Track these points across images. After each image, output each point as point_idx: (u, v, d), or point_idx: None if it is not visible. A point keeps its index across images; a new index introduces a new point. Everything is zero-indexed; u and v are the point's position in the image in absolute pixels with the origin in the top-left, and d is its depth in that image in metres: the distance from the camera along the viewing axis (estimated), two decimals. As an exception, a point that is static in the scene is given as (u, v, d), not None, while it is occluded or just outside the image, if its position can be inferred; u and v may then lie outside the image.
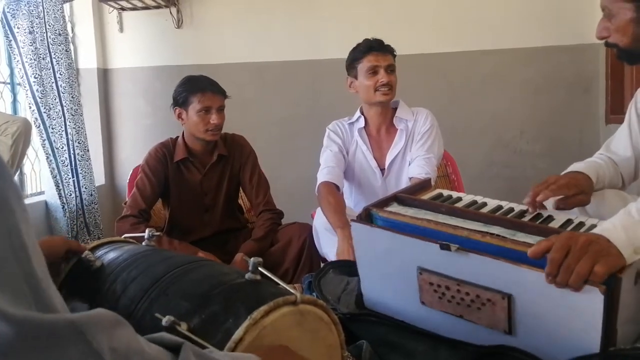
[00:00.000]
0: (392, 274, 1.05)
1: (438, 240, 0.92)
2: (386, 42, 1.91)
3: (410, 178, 1.86)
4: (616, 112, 2.56)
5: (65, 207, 2.76)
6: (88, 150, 2.94)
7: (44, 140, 2.69)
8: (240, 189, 2.13)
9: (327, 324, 0.78)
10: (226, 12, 3.15)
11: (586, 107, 2.84)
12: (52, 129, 2.73)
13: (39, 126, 2.66)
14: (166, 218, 2.05)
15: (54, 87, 2.75)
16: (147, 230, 1.07)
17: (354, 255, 1.15)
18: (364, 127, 1.98)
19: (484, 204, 1.16)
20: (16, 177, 2.67)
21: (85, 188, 2.89)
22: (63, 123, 2.78)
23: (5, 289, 0.39)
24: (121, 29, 3.26)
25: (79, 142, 2.86)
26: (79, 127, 2.87)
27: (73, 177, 2.82)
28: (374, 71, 1.86)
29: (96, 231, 2.95)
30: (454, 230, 1.00)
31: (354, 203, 2.03)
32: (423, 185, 1.31)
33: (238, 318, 0.67)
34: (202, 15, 3.18)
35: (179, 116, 1.94)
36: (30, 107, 2.66)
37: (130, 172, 2.28)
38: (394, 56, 1.92)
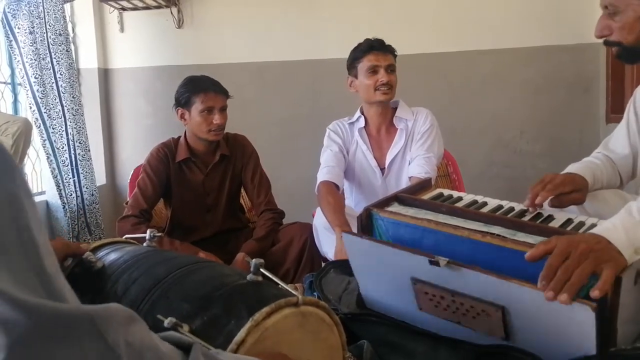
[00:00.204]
0: (387, 282, 1.05)
1: (428, 253, 0.90)
2: (386, 42, 1.92)
3: (410, 177, 1.86)
4: (617, 111, 2.56)
5: (66, 207, 2.76)
6: (89, 150, 2.94)
7: (44, 141, 2.70)
8: (242, 188, 2.13)
9: (328, 325, 0.79)
10: (227, 12, 3.15)
11: (586, 107, 2.84)
12: (53, 129, 2.73)
13: (40, 126, 2.66)
14: (168, 218, 2.05)
15: (54, 87, 2.75)
16: (148, 231, 1.07)
17: None
18: (364, 126, 1.98)
19: (485, 204, 1.16)
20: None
21: (87, 188, 2.89)
22: (63, 123, 2.79)
23: (18, 282, 0.39)
24: (122, 29, 3.26)
25: (80, 142, 2.87)
26: (79, 127, 2.88)
27: (74, 177, 2.82)
28: (374, 70, 1.86)
29: (97, 231, 2.95)
30: (455, 230, 1.00)
31: (354, 203, 2.03)
32: (424, 185, 1.32)
33: (240, 320, 0.67)
34: (202, 15, 3.18)
35: (182, 117, 1.94)
36: (30, 107, 2.66)
37: (132, 172, 2.29)
38: (395, 56, 1.92)
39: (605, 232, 0.85)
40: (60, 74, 2.77)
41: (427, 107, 2.02)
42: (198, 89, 1.89)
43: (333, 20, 3.03)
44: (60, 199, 2.75)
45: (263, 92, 3.16)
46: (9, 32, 2.56)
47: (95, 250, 0.99)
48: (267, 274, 0.78)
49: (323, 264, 1.70)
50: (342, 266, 1.32)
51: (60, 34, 2.77)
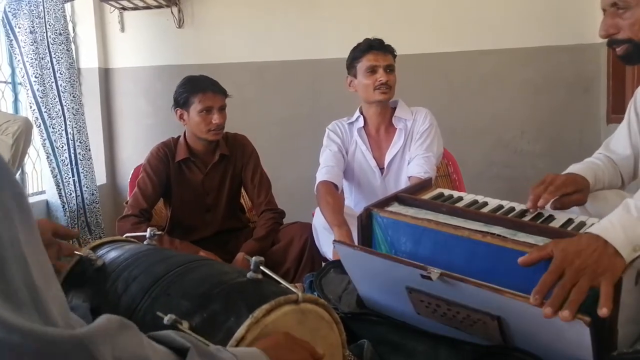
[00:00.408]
0: (383, 289, 1.05)
1: (421, 265, 0.89)
2: (386, 41, 1.92)
3: (409, 177, 1.86)
4: (617, 111, 2.56)
5: (66, 206, 2.76)
6: (89, 150, 2.94)
7: (44, 140, 2.70)
8: (242, 188, 2.13)
9: (328, 323, 0.79)
10: (227, 12, 3.15)
11: (586, 107, 2.84)
12: (53, 128, 2.73)
13: (40, 126, 2.66)
14: (168, 217, 2.05)
15: (54, 87, 2.75)
16: (148, 230, 1.07)
17: None
18: (363, 126, 1.99)
19: (485, 204, 1.16)
20: (17, 177, 2.67)
21: (87, 187, 2.89)
22: (63, 122, 2.79)
23: (7, 300, 0.39)
24: (122, 29, 3.26)
25: (80, 142, 2.87)
26: (80, 126, 2.88)
27: (73, 176, 2.82)
28: (372, 70, 1.86)
29: (97, 230, 2.95)
30: (455, 230, 1.00)
31: (353, 203, 2.03)
32: (424, 184, 1.32)
33: (240, 317, 0.67)
34: (203, 15, 3.18)
35: (181, 117, 1.94)
36: (30, 107, 2.67)
37: (132, 172, 2.29)
38: (394, 56, 1.92)
39: (603, 231, 0.84)
40: (60, 74, 2.77)
41: (427, 107, 2.02)
42: (196, 89, 1.89)
43: (333, 20, 3.03)
44: (60, 198, 2.75)
45: (263, 92, 3.16)
46: (10, 31, 2.56)
47: (95, 248, 0.99)
48: (267, 271, 0.78)
49: (323, 264, 1.70)
50: (342, 266, 1.32)
51: (60, 34, 2.77)
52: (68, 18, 2.99)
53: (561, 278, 0.79)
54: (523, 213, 1.10)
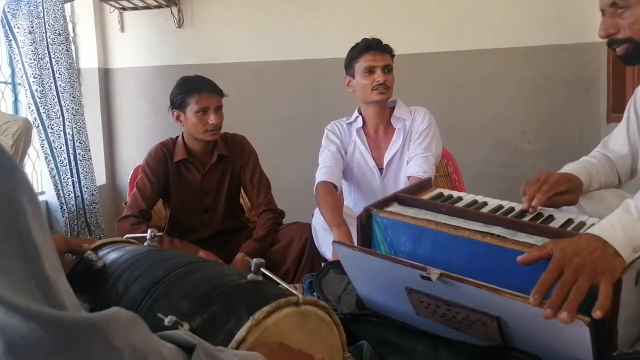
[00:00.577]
0: (383, 290, 1.04)
1: (421, 265, 0.89)
2: (386, 41, 1.91)
3: (408, 177, 1.86)
4: (618, 111, 2.55)
5: (64, 207, 2.76)
6: (89, 150, 2.94)
7: (42, 141, 2.70)
8: (242, 189, 2.13)
9: (328, 325, 0.79)
10: (227, 11, 3.15)
11: (587, 107, 2.84)
12: (51, 129, 2.73)
13: (38, 126, 2.66)
14: (167, 218, 2.05)
15: (53, 87, 2.75)
16: (149, 231, 1.07)
17: None
18: (362, 126, 1.99)
19: (485, 204, 1.16)
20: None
21: (87, 188, 2.89)
22: (62, 123, 2.78)
23: (17, 288, 0.39)
24: (122, 29, 3.26)
25: (80, 142, 2.87)
26: (80, 126, 2.88)
27: (72, 177, 2.82)
28: (370, 70, 1.86)
29: (97, 231, 2.95)
30: (455, 231, 1.00)
31: (353, 203, 2.03)
32: (423, 185, 1.31)
33: (240, 319, 0.67)
34: (203, 15, 3.18)
35: (177, 118, 1.94)
36: (29, 107, 2.66)
37: (132, 172, 2.29)
38: (393, 56, 1.92)
39: (603, 231, 0.84)
40: (60, 74, 2.77)
41: (426, 107, 2.02)
42: (192, 89, 1.88)
43: (333, 20, 3.03)
44: (58, 199, 2.74)
45: (263, 92, 3.16)
46: (9, 31, 2.56)
47: (96, 249, 0.99)
48: (267, 273, 0.78)
49: (323, 264, 1.70)
50: (342, 266, 1.32)
51: (59, 34, 2.76)
52: (68, 18, 2.99)
53: (560, 277, 0.79)
54: (523, 213, 1.10)
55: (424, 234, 1.04)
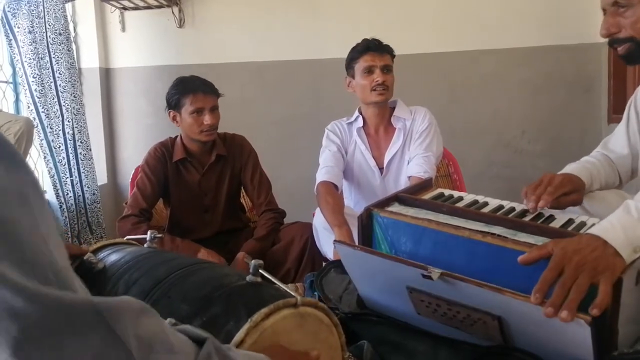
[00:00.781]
0: (384, 289, 1.04)
1: (422, 264, 0.89)
2: (386, 41, 1.91)
3: (409, 177, 1.86)
4: (618, 111, 2.55)
5: (63, 206, 2.77)
6: (90, 150, 2.94)
7: (41, 140, 2.70)
8: (242, 189, 2.13)
9: (327, 326, 0.79)
10: (227, 11, 3.15)
11: (587, 107, 2.84)
12: (51, 128, 2.74)
13: (37, 126, 2.66)
14: (167, 217, 2.05)
15: (53, 87, 2.75)
16: (149, 232, 1.07)
17: None
18: (363, 126, 1.99)
19: (485, 204, 1.16)
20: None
21: (88, 187, 2.90)
22: (61, 122, 2.78)
23: (29, 273, 0.40)
24: (123, 29, 3.26)
25: (81, 142, 2.87)
26: (81, 126, 2.88)
27: (71, 176, 2.82)
28: (369, 71, 1.86)
29: (98, 230, 2.95)
30: (455, 231, 1.00)
31: (353, 202, 2.03)
32: (424, 184, 1.32)
33: (239, 320, 0.67)
34: (203, 14, 3.18)
35: (174, 119, 1.94)
36: (28, 107, 2.67)
37: (133, 172, 2.29)
38: (393, 56, 1.92)
39: (603, 232, 0.84)
40: (59, 74, 2.76)
41: (427, 107, 2.02)
42: (186, 90, 1.88)
43: (333, 20, 3.03)
44: (57, 198, 2.75)
45: (263, 92, 3.16)
46: (9, 31, 2.56)
47: (96, 251, 0.99)
48: (266, 275, 0.78)
49: (324, 264, 1.70)
50: (343, 266, 1.32)
51: (60, 34, 2.76)
52: (69, 18, 2.99)
53: (561, 276, 0.79)
54: (523, 213, 1.10)
55: (424, 233, 1.04)
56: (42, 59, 2.69)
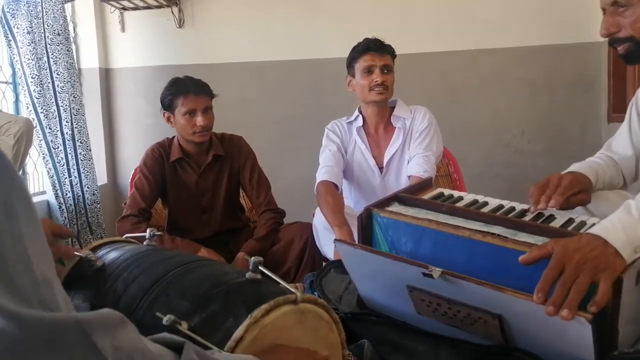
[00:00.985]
0: (384, 289, 1.04)
1: (422, 263, 0.89)
2: (386, 41, 1.91)
3: (409, 176, 1.86)
4: (618, 110, 2.55)
5: (63, 206, 2.76)
6: (90, 150, 2.94)
7: (40, 141, 2.70)
8: (241, 189, 2.13)
9: (327, 323, 0.79)
10: (227, 11, 3.16)
11: (588, 107, 2.84)
12: (50, 128, 2.73)
13: (36, 126, 2.66)
14: (166, 218, 2.05)
15: (52, 87, 2.75)
16: (148, 230, 1.07)
17: None
18: (362, 126, 1.98)
19: (485, 204, 1.16)
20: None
21: (88, 187, 2.89)
22: (58, 123, 2.78)
23: (9, 292, 0.40)
24: (123, 29, 3.26)
25: (81, 142, 2.87)
26: (80, 126, 2.88)
27: (70, 177, 2.82)
28: (369, 70, 1.86)
29: (98, 230, 2.95)
30: (455, 230, 0.99)
31: (353, 202, 2.03)
32: (424, 184, 1.31)
33: (238, 317, 0.67)
34: (203, 14, 3.18)
35: (168, 119, 1.94)
36: (27, 107, 2.67)
37: (132, 172, 2.29)
38: (394, 56, 1.92)
39: (604, 231, 0.84)
40: (57, 74, 2.76)
41: (427, 106, 2.02)
42: (179, 91, 1.88)
43: (333, 20, 3.03)
44: (56, 199, 2.74)
45: (263, 91, 3.16)
46: (8, 32, 2.56)
47: (95, 249, 0.99)
48: (266, 272, 0.78)
49: (324, 264, 1.70)
50: (343, 266, 1.32)
51: (58, 34, 2.76)
52: (68, 18, 2.99)
53: (562, 274, 0.79)
54: (523, 213, 1.10)
55: (424, 233, 1.04)
56: (40, 59, 2.69)
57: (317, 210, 1.85)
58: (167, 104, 1.91)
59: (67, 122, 2.80)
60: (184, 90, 1.88)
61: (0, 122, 2.23)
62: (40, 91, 2.68)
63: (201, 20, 3.19)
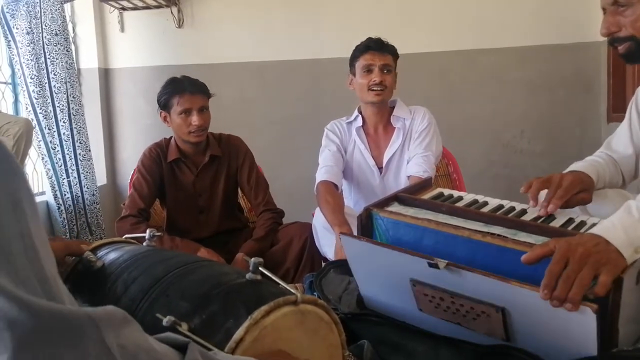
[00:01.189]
0: (386, 283, 1.04)
1: (427, 255, 0.89)
2: (386, 41, 1.91)
3: (408, 177, 1.86)
4: (618, 110, 2.55)
5: (62, 207, 2.76)
6: (90, 150, 2.94)
7: (39, 141, 2.70)
8: (240, 189, 2.12)
9: (327, 324, 0.78)
10: (227, 11, 3.15)
11: (587, 106, 2.84)
12: (49, 129, 2.73)
13: (35, 127, 2.66)
14: (164, 218, 2.05)
15: (51, 88, 2.75)
16: (147, 231, 1.07)
17: None
18: (362, 126, 1.98)
19: (485, 203, 1.16)
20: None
21: (87, 188, 2.89)
22: (55, 123, 2.77)
23: (20, 284, 0.40)
24: (122, 29, 3.26)
25: (80, 142, 2.86)
26: (80, 126, 2.87)
27: (68, 177, 2.82)
28: (368, 70, 1.86)
29: (98, 231, 2.95)
30: (455, 230, 0.99)
31: (353, 202, 2.03)
32: (424, 184, 1.31)
33: (238, 318, 0.67)
34: (202, 14, 3.18)
35: (165, 119, 1.94)
36: (26, 108, 2.66)
37: (132, 172, 2.29)
38: (396, 57, 1.91)
39: (604, 231, 0.84)
40: (54, 74, 2.75)
41: (426, 106, 2.02)
42: (175, 90, 1.88)
43: (333, 20, 3.03)
44: (55, 199, 2.74)
45: (263, 91, 3.16)
46: (8, 32, 2.56)
47: (95, 250, 0.99)
48: (266, 272, 0.78)
49: (323, 264, 1.70)
50: (342, 266, 1.32)
51: (57, 34, 2.75)
52: (68, 18, 2.99)
53: (565, 269, 0.79)
54: (523, 213, 1.10)
55: (424, 233, 1.04)
56: (39, 59, 2.68)
57: (317, 210, 1.85)
58: (164, 103, 1.91)
59: (64, 122, 2.79)
60: (180, 89, 1.88)
61: (0, 123, 2.23)
62: (40, 92, 2.67)
63: (200, 20, 3.19)
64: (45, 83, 2.72)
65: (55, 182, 2.76)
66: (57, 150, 2.78)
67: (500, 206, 1.14)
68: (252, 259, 0.78)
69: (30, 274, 0.41)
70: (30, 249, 0.42)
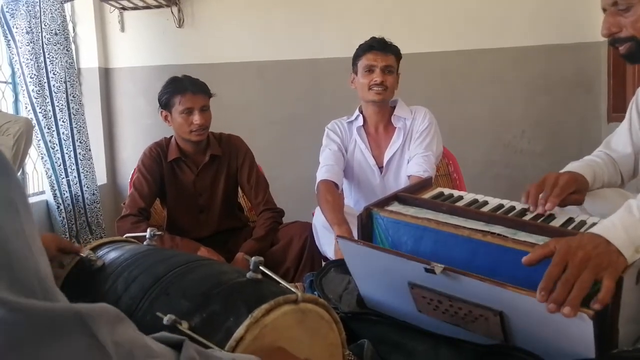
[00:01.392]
0: (385, 286, 1.04)
1: (425, 259, 0.89)
2: (389, 41, 1.91)
3: (409, 176, 1.86)
4: (618, 110, 2.55)
5: (61, 207, 2.76)
6: (90, 150, 2.94)
7: (38, 141, 2.70)
8: (240, 189, 2.13)
9: (328, 323, 0.79)
10: (227, 11, 3.15)
11: (587, 106, 2.84)
12: (48, 128, 2.73)
13: (35, 126, 2.66)
14: (165, 217, 2.05)
15: (50, 87, 2.75)
16: (148, 230, 1.07)
17: None
18: (363, 125, 1.98)
19: (485, 203, 1.16)
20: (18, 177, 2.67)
21: (88, 187, 2.89)
22: (54, 123, 2.78)
23: (14, 284, 0.40)
24: (122, 29, 3.26)
25: (80, 142, 2.86)
26: (80, 126, 2.88)
27: (67, 176, 2.82)
28: (369, 69, 1.86)
29: (98, 230, 2.95)
30: (455, 230, 1.00)
31: (353, 201, 2.03)
32: (424, 184, 1.31)
33: (239, 317, 0.67)
34: (203, 14, 3.18)
35: (165, 118, 1.94)
36: (26, 107, 2.66)
37: (132, 172, 2.29)
38: (398, 57, 1.91)
39: (605, 231, 0.84)
40: (54, 74, 2.75)
41: (427, 106, 2.02)
42: (176, 90, 1.88)
43: (333, 19, 3.03)
44: (55, 199, 2.74)
45: (263, 91, 3.16)
46: (7, 32, 2.56)
47: (95, 249, 0.99)
48: (266, 271, 0.78)
49: (323, 263, 1.70)
50: (343, 265, 1.32)
51: (56, 34, 2.75)
52: (68, 18, 2.99)
53: (564, 272, 0.79)
54: (523, 212, 1.10)
55: (425, 233, 1.04)
56: (39, 59, 2.69)
57: (317, 210, 1.85)
58: (165, 103, 1.91)
59: (64, 122, 2.79)
60: (182, 88, 1.88)
61: (0, 122, 2.23)
62: (39, 91, 2.68)
63: (201, 20, 3.19)
64: (45, 82, 2.72)
65: (54, 182, 2.76)
66: (57, 150, 2.78)
67: (501, 206, 1.14)
68: (253, 258, 0.78)
69: (28, 272, 0.41)
70: (26, 248, 0.43)
